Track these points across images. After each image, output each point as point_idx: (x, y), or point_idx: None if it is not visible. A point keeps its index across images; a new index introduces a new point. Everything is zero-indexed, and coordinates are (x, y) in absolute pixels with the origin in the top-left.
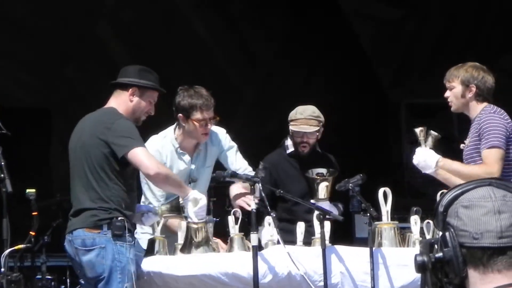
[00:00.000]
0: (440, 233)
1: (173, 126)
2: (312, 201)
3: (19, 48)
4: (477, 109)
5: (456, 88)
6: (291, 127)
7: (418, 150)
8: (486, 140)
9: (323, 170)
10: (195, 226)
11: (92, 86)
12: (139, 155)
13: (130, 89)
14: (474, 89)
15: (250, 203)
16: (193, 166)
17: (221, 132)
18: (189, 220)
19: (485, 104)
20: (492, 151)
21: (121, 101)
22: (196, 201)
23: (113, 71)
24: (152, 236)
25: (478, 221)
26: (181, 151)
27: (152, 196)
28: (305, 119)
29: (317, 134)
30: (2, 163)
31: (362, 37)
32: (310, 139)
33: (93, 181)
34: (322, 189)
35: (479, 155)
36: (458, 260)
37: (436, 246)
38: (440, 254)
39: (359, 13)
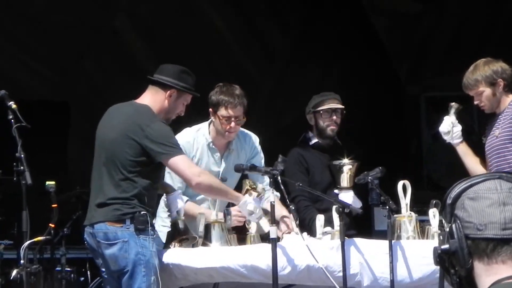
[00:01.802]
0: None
1: (208, 121)
2: (335, 191)
3: (37, 42)
4: (506, 101)
5: (486, 91)
6: (319, 108)
7: (446, 118)
8: None
9: (346, 160)
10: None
11: (110, 80)
12: (179, 164)
13: (169, 91)
14: (502, 82)
15: (290, 224)
16: (223, 165)
17: (255, 138)
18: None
19: (510, 96)
20: None
21: (157, 100)
22: (253, 208)
23: (131, 64)
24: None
25: (482, 212)
26: (213, 147)
27: (172, 184)
28: (332, 98)
29: (342, 115)
30: (22, 156)
31: (380, 30)
32: (338, 118)
33: (120, 176)
34: (345, 177)
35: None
36: (463, 251)
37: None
38: (446, 246)
39: (376, 6)
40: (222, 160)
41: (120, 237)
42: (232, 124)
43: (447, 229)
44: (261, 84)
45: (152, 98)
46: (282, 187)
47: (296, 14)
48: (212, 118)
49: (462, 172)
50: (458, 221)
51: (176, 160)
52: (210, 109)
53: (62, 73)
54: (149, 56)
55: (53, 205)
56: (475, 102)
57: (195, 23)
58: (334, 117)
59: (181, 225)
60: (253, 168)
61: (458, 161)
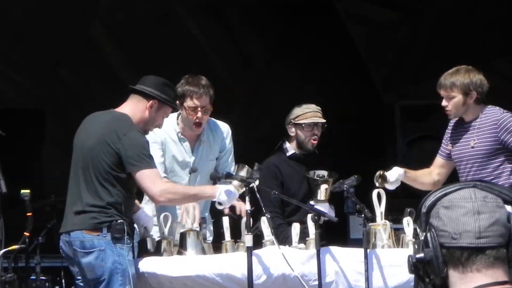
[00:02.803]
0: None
1: (177, 112)
2: (311, 202)
3: (12, 50)
4: (477, 111)
5: (457, 98)
6: (301, 121)
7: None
8: None
9: (325, 172)
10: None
11: (86, 88)
12: (146, 179)
13: (151, 101)
14: (475, 95)
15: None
16: (193, 157)
17: (226, 129)
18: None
19: (483, 105)
20: None
21: (137, 109)
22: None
23: (107, 73)
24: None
25: (457, 221)
26: (182, 137)
27: None
28: (314, 111)
29: (322, 129)
30: None
31: (356, 39)
32: (319, 132)
33: (97, 185)
34: (322, 191)
35: (492, 157)
36: (438, 260)
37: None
38: (421, 255)
39: (353, 15)
40: (194, 150)
41: (96, 245)
42: (199, 114)
43: (422, 238)
44: (237, 92)
45: (132, 108)
46: (258, 195)
47: (273, 23)
48: (180, 110)
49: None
50: (433, 230)
51: (144, 174)
52: (178, 102)
53: (38, 81)
54: (125, 64)
55: (28, 214)
56: (443, 104)
57: (171, 31)
58: (316, 131)
59: (149, 245)
60: (229, 176)
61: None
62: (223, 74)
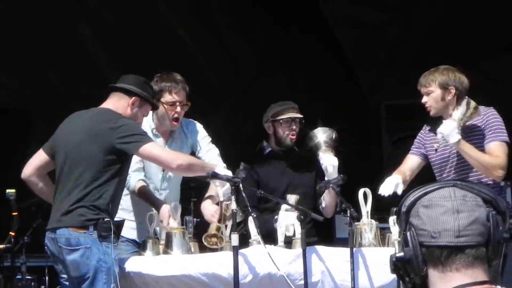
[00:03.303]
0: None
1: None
2: (320, 153)
3: (1, 51)
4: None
5: (435, 92)
6: (279, 117)
7: (446, 121)
8: (495, 133)
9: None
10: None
11: (74, 89)
12: (154, 150)
13: (133, 98)
14: (453, 90)
15: (214, 216)
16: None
17: (198, 124)
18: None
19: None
20: (503, 144)
21: (119, 106)
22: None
23: (95, 74)
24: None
25: (436, 220)
26: (156, 133)
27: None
28: (291, 107)
29: (300, 125)
30: None
31: (342, 40)
32: (297, 127)
33: (87, 180)
34: (325, 141)
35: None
36: (418, 259)
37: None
38: (401, 254)
39: (340, 18)
40: (166, 147)
41: (82, 243)
42: (178, 109)
43: (402, 237)
44: (225, 95)
45: (114, 105)
46: (244, 195)
47: (261, 27)
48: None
49: (422, 180)
50: (413, 229)
51: (149, 147)
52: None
53: (25, 81)
54: (113, 66)
55: (14, 213)
56: (423, 100)
57: (159, 33)
58: (294, 127)
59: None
60: (215, 176)
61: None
62: (211, 77)
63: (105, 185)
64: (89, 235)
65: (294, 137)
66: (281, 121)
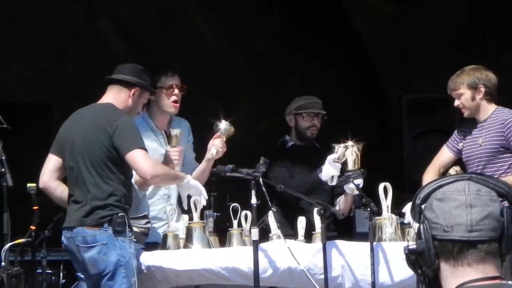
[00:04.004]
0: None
1: (144, 108)
2: (345, 174)
3: (17, 44)
4: (488, 110)
5: (465, 94)
6: (302, 111)
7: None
8: None
9: (349, 142)
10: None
11: (91, 81)
12: (136, 157)
13: (133, 89)
14: (483, 89)
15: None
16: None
17: (187, 124)
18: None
19: (495, 105)
20: None
21: (120, 99)
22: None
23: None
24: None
25: (449, 214)
26: (156, 129)
27: None
28: (315, 102)
29: (322, 121)
30: (3, 158)
31: (363, 33)
32: (319, 123)
33: (96, 177)
34: (350, 158)
35: (500, 154)
36: (430, 252)
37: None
38: (413, 246)
39: (358, 9)
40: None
41: (98, 240)
42: (176, 91)
43: (415, 229)
44: (243, 87)
45: (115, 98)
46: (264, 189)
47: (279, 18)
48: (151, 98)
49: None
50: (426, 222)
51: (135, 154)
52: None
53: (44, 74)
54: (131, 58)
55: (34, 207)
56: (455, 104)
57: (177, 26)
58: (316, 122)
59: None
60: (235, 170)
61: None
62: (229, 69)
63: (114, 181)
64: (104, 232)
65: (315, 131)
66: (304, 114)
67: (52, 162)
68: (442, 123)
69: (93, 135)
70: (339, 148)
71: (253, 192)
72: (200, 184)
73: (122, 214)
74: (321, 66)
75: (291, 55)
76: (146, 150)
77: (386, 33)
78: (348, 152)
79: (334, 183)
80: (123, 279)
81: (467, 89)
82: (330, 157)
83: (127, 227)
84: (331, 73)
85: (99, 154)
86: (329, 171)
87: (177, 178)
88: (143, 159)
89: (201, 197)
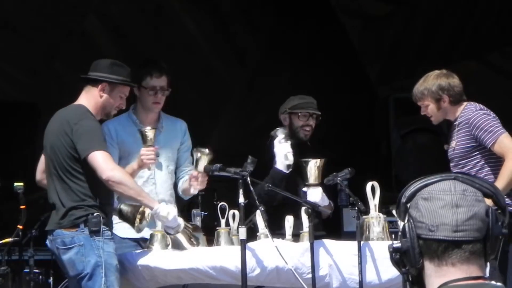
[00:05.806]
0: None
1: (131, 107)
2: (304, 188)
3: (6, 43)
4: (457, 111)
5: (430, 105)
6: (298, 110)
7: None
8: (489, 134)
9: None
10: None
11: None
12: (95, 158)
13: (100, 85)
14: (447, 98)
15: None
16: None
17: (185, 125)
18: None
19: (463, 104)
20: (501, 139)
21: (91, 97)
22: (166, 214)
23: None
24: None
25: (435, 213)
26: (140, 125)
27: None
28: (311, 102)
29: (317, 121)
30: None
31: (351, 32)
32: (313, 124)
33: (67, 180)
34: (312, 173)
35: (473, 154)
36: (414, 251)
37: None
38: (398, 244)
39: (347, 9)
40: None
41: (76, 241)
42: (159, 95)
43: (400, 228)
44: (232, 87)
45: (86, 97)
46: (251, 188)
47: (267, 18)
48: (137, 94)
49: (430, 173)
50: (411, 221)
51: (95, 155)
52: (135, 89)
53: (32, 74)
54: (120, 58)
55: (21, 207)
56: (422, 113)
57: (166, 25)
58: (311, 121)
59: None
60: (223, 169)
61: (426, 162)
62: (218, 69)
63: (86, 182)
64: (81, 232)
65: (308, 132)
66: (299, 114)
67: (41, 162)
68: (429, 123)
69: (57, 141)
70: (277, 130)
71: (240, 191)
72: (172, 210)
73: (98, 214)
74: (310, 66)
75: (280, 56)
76: (107, 152)
77: (375, 32)
78: (311, 165)
79: (290, 161)
80: (102, 279)
81: (430, 101)
82: (277, 140)
83: (102, 226)
84: (320, 73)
85: (64, 159)
86: (279, 151)
87: (140, 195)
88: (102, 160)
89: (173, 229)
